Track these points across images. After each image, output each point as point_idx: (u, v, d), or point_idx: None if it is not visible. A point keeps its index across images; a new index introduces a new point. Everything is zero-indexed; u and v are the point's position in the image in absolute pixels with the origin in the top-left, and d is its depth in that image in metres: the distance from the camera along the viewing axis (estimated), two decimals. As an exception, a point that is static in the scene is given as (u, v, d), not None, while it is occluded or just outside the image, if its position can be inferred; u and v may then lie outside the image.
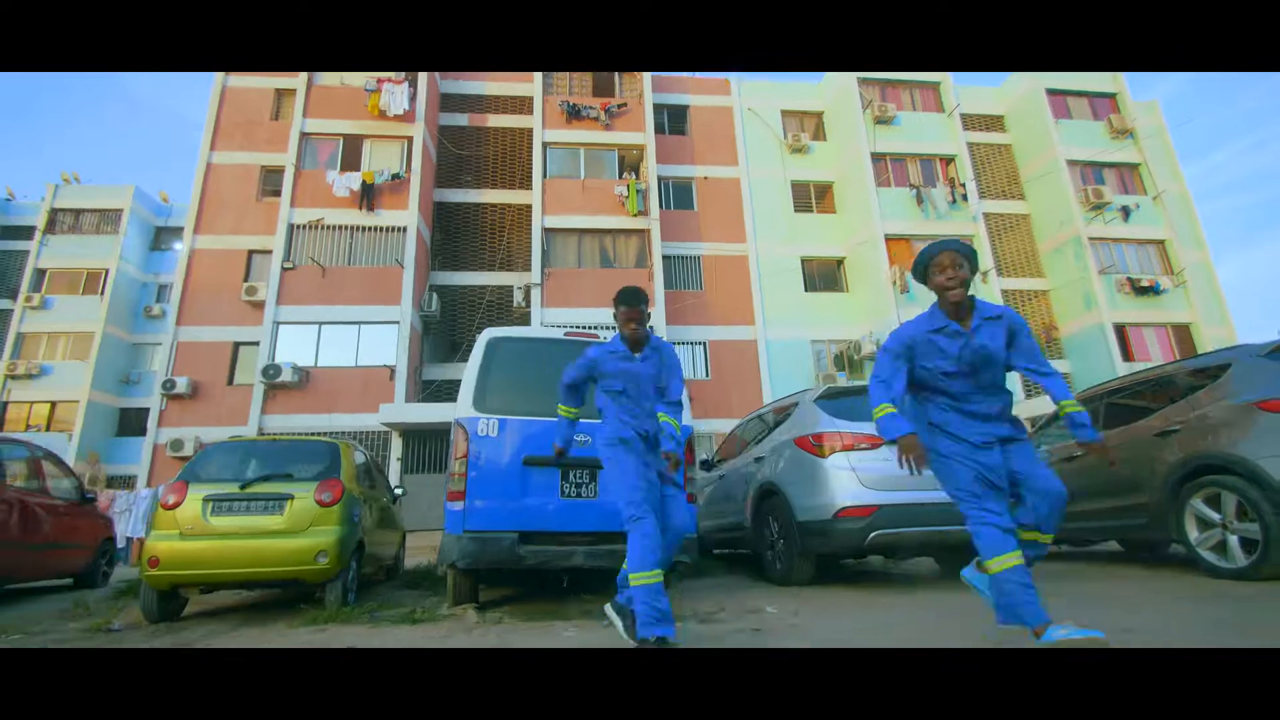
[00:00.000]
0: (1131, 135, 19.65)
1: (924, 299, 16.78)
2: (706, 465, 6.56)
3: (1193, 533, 4.37)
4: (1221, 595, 3.43)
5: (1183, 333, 18.36)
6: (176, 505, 4.46)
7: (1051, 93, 19.85)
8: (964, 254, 2.48)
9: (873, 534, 4.00)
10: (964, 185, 17.95)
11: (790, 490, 4.55)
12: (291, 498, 4.55)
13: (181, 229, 23.23)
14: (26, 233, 23.05)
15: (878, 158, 18.08)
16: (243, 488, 4.54)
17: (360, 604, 4.63)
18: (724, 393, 15.92)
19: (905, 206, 17.69)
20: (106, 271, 22.00)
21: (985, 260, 17.60)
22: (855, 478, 4.15)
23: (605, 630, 3.15)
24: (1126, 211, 18.79)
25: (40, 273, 21.69)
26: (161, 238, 24.06)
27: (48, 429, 20.12)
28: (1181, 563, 5.22)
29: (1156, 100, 22.42)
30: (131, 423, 21.65)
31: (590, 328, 15.09)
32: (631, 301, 2.85)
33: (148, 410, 19.84)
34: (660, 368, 2.92)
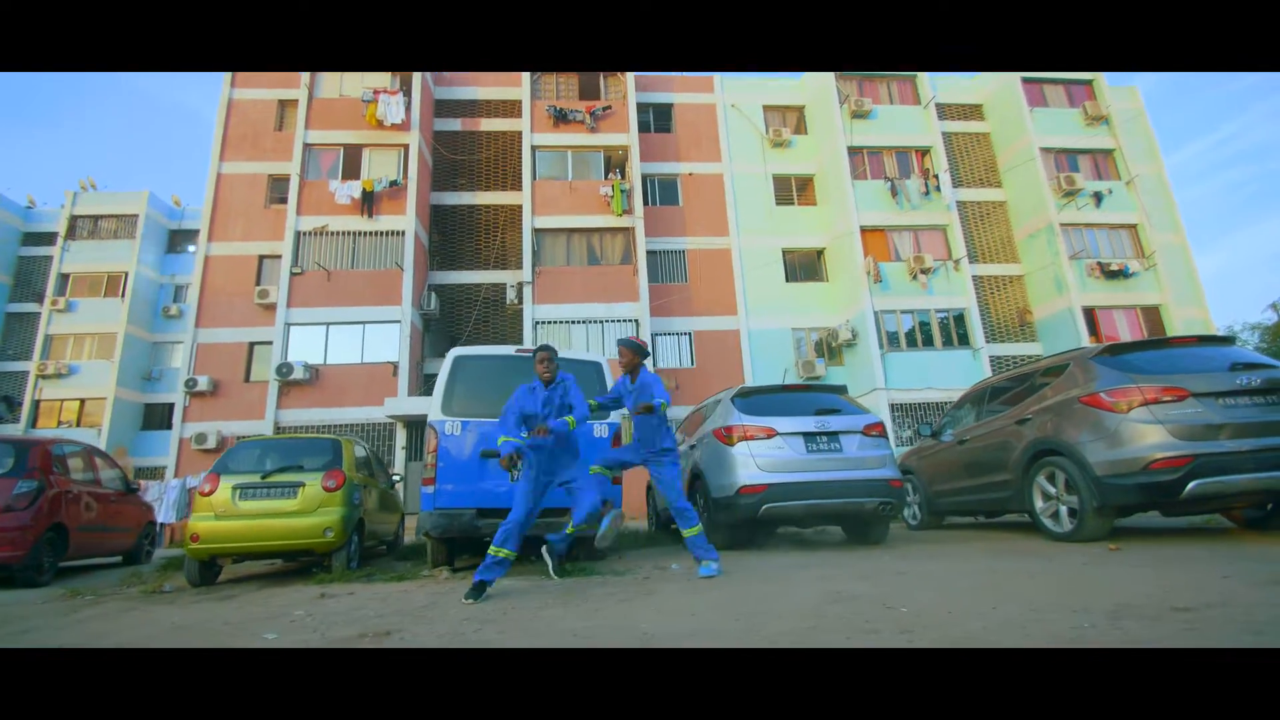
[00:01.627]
0: (1106, 121, 20.15)
1: (896, 289, 17.61)
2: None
3: (1038, 503, 5.33)
4: (1039, 553, 4.41)
5: (1152, 314, 19.04)
6: (211, 492, 5.54)
7: (1027, 81, 20.35)
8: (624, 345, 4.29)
9: (764, 506, 5.01)
10: (937, 176, 18.62)
11: (708, 473, 5.55)
12: (303, 485, 5.62)
13: (194, 231, 24.42)
14: (49, 239, 24.30)
15: (854, 151, 18.77)
16: (263, 477, 5.61)
17: (361, 569, 5.71)
18: (706, 381, 16.87)
19: (880, 198, 18.42)
20: (126, 274, 23.22)
21: (959, 248, 18.35)
22: (753, 462, 5.14)
23: (548, 581, 4.20)
24: (1099, 197, 19.39)
25: (64, 277, 22.96)
26: (175, 240, 25.23)
27: (78, 425, 21.50)
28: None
29: (1136, 86, 22.81)
30: (154, 417, 23.03)
31: (579, 322, 16.21)
32: (542, 351, 4.15)
33: (170, 405, 21.19)
34: (564, 395, 4.07)
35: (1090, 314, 18.57)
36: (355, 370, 15.06)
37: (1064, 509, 5.05)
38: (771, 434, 5.19)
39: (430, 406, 4.89)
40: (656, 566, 4.64)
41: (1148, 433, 4.45)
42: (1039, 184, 19.37)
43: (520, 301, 16.31)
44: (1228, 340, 5.19)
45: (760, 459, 5.14)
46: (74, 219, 23.50)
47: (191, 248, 24.41)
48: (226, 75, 17.84)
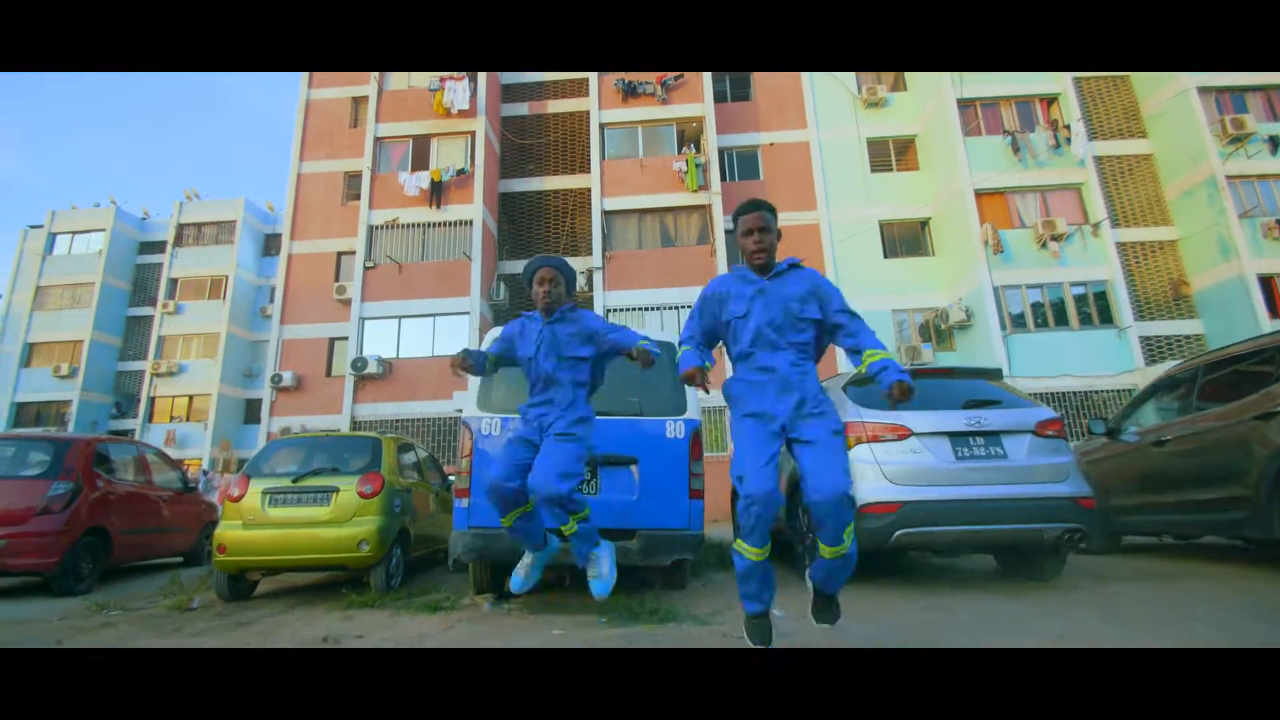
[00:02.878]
0: (1285, 49, 16.61)
1: (1021, 259, 15.26)
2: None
3: (1305, 530, 3.71)
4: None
5: (1351, 281, 15.52)
6: (240, 497, 4.90)
7: (1179, 9, 17.14)
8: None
9: (897, 532, 3.70)
10: (1068, 127, 16.00)
11: (816, 482, 4.29)
12: (337, 490, 4.87)
13: (286, 234, 25.52)
14: (160, 247, 26.15)
15: (965, 104, 16.46)
16: (295, 481, 4.91)
17: (402, 589, 4.91)
18: (795, 369, 15.38)
19: (999, 156, 16.04)
20: (226, 278, 24.57)
21: (1098, 210, 15.69)
22: (880, 471, 3.84)
23: (596, 629, 3.14)
24: (1275, 142, 16.01)
25: (173, 282, 24.60)
26: (270, 244, 26.46)
27: (187, 419, 22.97)
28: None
29: (1322, 3, 18.74)
30: (255, 411, 24.23)
31: (653, 309, 15.14)
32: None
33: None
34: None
35: (1268, 283, 15.36)
36: (426, 364, 14.75)
37: (1361, 543, 3.41)
38: (905, 434, 3.86)
39: (465, 401, 3.96)
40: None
41: None
42: (1197, 130, 16.23)
43: (590, 289, 15.46)
44: None
45: (890, 467, 3.83)
46: (181, 227, 25.10)
47: (284, 250, 25.53)
48: (304, 76, 18.12)
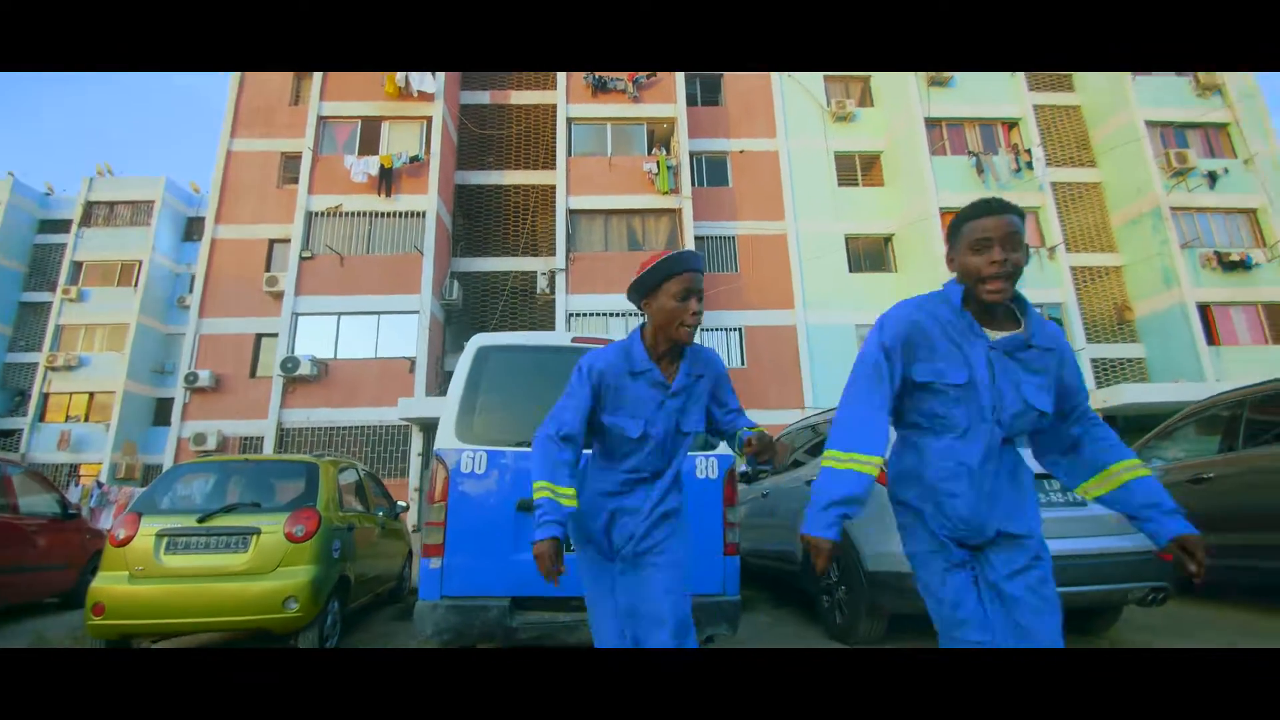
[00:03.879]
0: (1219, 91, 17.57)
1: (982, 279, 15.36)
2: (746, 478, 5.69)
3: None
4: None
5: (1275, 313, 16.46)
6: (126, 542, 3.82)
7: (1128, 46, 17.88)
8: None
9: (972, 599, 3.05)
10: (1029, 151, 16.32)
11: (856, 531, 3.63)
12: (258, 532, 3.87)
13: (211, 219, 23.29)
14: (64, 226, 23.38)
15: (932, 123, 16.56)
16: (201, 520, 3.87)
17: (342, 647, 3.94)
18: (762, 383, 14.93)
19: (963, 176, 16.18)
20: (140, 263, 22.15)
21: (1053, 234, 16.04)
22: (946, 522, 3.19)
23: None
24: (1213, 177, 16.85)
25: (77, 265, 21.95)
26: (193, 228, 24.10)
27: (86, 419, 20.45)
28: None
29: (1248, 51, 20.04)
30: (166, 413, 21.85)
31: (618, 314, 14.36)
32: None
33: (181, 401, 19.98)
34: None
35: (1206, 312, 16.08)
36: (368, 366, 13.45)
37: None
38: (975, 477, 3.23)
39: (439, 428, 3.08)
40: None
41: None
42: (1143, 162, 16.90)
43: (552, 291, 14.54)
44: None
45: (958, 517, 3.18)
46: (89, 205, 22.49)
47: (208, 235, 23.32)
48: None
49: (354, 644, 4.28)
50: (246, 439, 13.39)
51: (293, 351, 13.27)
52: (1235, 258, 16.23)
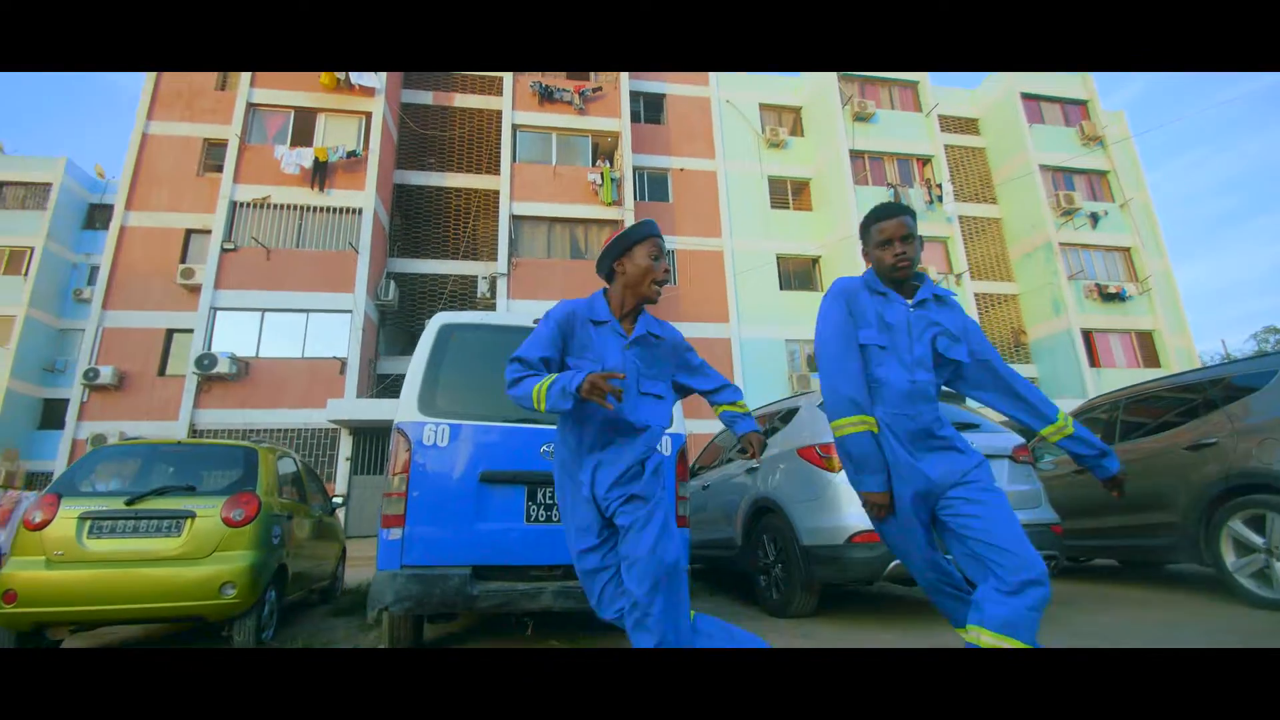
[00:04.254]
0: (1101, 143, 19.83)
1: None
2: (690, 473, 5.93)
3: (1229, 556, 3.95)
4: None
5: (1146, 340, 18.61)
6: (44, 525, 3.59)
7: (1026, 97, 19.91)
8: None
9: (894, 563, 3.41)
10: (940, 186, 17.79)
11: (792, 509, 3.94)
12: (193, 516, 3.73)
13: (116, 206, 21.54)
14: (-62, 205, 20.96)
15: (856, 155, 17.77)
16: (130, 503, 3.69)
17: (277, 640, 3.85)
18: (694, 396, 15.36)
19: (883, 206, 17.41)
20: (31, 250, 20.16)
21: (960, 262, 17.49)
22: (871, 497, 3.55)
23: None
24: (1095, 218, 18.95)
25: (-47, 249, 19.73)
26: (95, 215, 22.20)
27: (-44, 421, 18.28)
28: (1192, 583, 4.83)
29: (1123, 111, 22.80)
30: (56, 414, 19.84)
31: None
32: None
33: (73, 401, 18.23)
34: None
35: (1089, 337, 17.98)
36: (294, 366, 12.85)
37: (1280, 566, 3.67)
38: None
39: (401, 402, 3.13)
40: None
41: None
42: (1037, 201, 18.80)
43: (493, 295, 14.46)
44: None
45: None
46: (-31, 183, 20.32)
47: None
48: (159, 23, 15.50)
49: (291, 636, 4.17)
50: (176, 439, 12.44)
51: (209, 348, 12.51)
52: (1113, 290, 18.29)
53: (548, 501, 3.08)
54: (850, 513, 3.56)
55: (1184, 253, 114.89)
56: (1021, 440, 4.01)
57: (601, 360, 2.01)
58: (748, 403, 2.52)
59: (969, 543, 1.83)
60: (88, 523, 3.61)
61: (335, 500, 6.14)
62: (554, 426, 2.73)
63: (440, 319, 3.40)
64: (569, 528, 2.09)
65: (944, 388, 2.13)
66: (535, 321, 3.52)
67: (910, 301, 2.05)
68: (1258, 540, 3.78)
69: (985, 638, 1.70)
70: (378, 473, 12.31)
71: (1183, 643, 3.03)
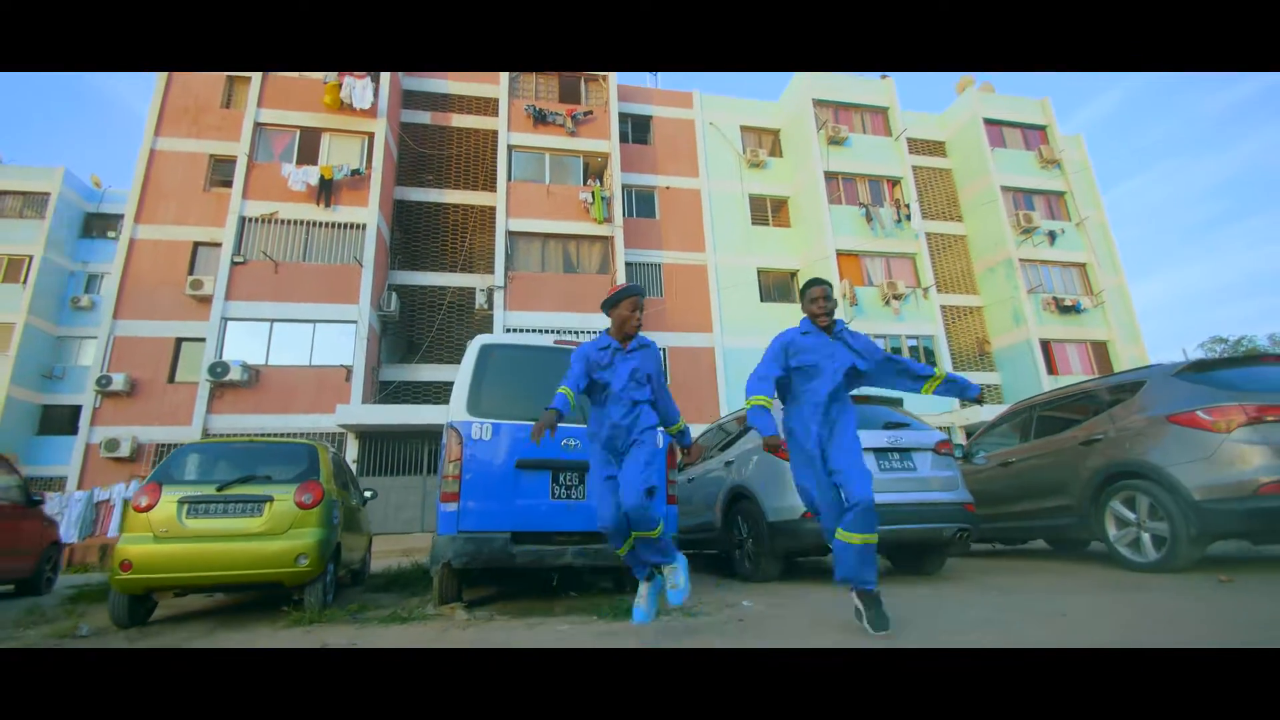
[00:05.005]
0: (1059, 165, 21.24)
1: (870, 314, 17.68)
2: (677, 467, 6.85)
3: (1111, 530, 4.93)
4: (1129, 585, 3.93)
5: (1100, 350, 19.95)
6: (150, 508, 4.39)
7: (989, 122, 21.26)
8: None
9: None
10: (908, 206, 18.99)
11: (761, 493, 4.87)
12: (271, 499, 4.55)
13: (115, 216, 22.05)
14: (-64, 214, 21.27)
15: (830, 176, 18.92)
16: (220, 489, 4.51)
17: (340, 606, 4.67)
18: (681, 398, 16.27)
19: (855, 223, 18.58)
20: (30, 259, 20.55)
21: (926, 277, 18.69)
22: (821, 481, 4.49)
23: (596, 624, 3.37)
24: (1053, 236, 20.30)
25: (-48, 258, 20.07)
26: (92, 224, 22.63)
27: (-43, 426, 18.61)
28: (1100, 559, 5.83)
29: (1081, 135, 24.28)
30: (54, 421, 20.27)
31: (552, 331, 15.30)
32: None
33: (72, 407, 18.70)
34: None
35: (1047, 347, 19.26)
36: (302, 373, 13.57)
37: (1147, 537, 4.65)
38: (841, 450, 4.57)
39: (451, 405, 4.01)
40: (727, 605, 3.89)
41: (1255, 454, 4.11)
42: (999, 220, 20.10)
43: (490, 307, 15.29)
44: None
45: (829, 478, 4.50)
46: (-32, 192, 20.68)
47: (111, 233, 22.00)
48: (168, 44, 16.14)
49: (346, 601, 5.00)
50: (164, 445, 13.07)
51: (221, 356, 13.19)
52: (1069, 303, 19.61)
53: (568, 483, 3.98)
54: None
55: (1154, 265, 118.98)
56: (944, 436, 4.99)
57: (614, 369, 3.06)
58: (733, 406, 3.69)
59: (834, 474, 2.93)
60: (186, 505, 4.42)
61: (366, 493, 6.95)
62: (572, 425, 3.71)
63: (480, 340, 4.29)
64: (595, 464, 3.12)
65: (866, 388, 3.18)
66: (555, 343, 4.45)
67: (830, 336, 3.04)
68: (1130, 516, 4.77)
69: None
70: (383, 474, 13.05)
71: (1056, 594, 3.99)
